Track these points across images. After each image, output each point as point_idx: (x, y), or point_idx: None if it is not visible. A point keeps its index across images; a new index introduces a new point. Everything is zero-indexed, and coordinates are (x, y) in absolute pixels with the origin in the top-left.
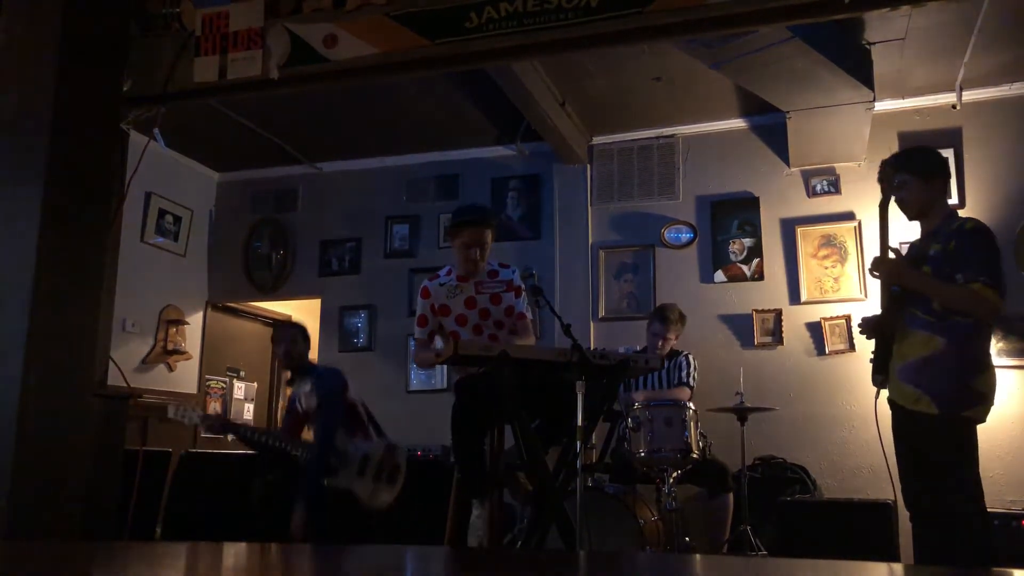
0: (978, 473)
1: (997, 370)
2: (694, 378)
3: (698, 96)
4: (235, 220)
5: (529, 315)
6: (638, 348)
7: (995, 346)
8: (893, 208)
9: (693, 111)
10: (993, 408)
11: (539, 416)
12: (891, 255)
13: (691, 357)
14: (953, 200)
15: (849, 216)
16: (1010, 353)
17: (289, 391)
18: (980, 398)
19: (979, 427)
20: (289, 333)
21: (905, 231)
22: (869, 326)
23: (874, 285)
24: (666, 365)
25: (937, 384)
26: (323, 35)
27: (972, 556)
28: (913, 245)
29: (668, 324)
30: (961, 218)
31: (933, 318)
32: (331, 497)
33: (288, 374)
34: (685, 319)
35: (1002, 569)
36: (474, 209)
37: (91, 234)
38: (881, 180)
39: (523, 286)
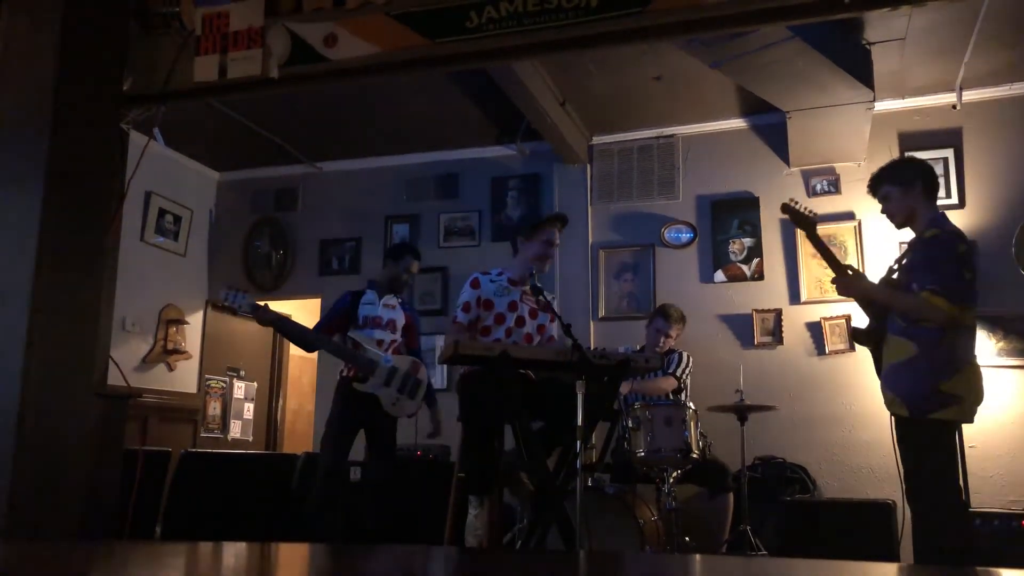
0: (955, 474)
1: (997, 370)
2: (684, 372)
3: (698, 96)
4: (235, 220)
5: (558, 342)
6: (637, 348)
7: (995, 346)
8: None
9: (693, 111)
10: (992, 408)
11: (541, 418)
12: (849, 272)
13: (686, 355)
14: (953, 200)
15: (849, 216)
16: (1010, 353)
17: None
18: (951, 400)
19: (978, 428)
20: (418, 257)
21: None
22: (858, 336)
23: None
24: (662, 362)
25: (907, 387)
26: (323, 34)
27: (948, 554)
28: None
29: (671, 321)
30: (931, 227)
31: (906, 324)
32: (360, 409)
33: (393, 284)
34: (686, 320)
35: (998, 569)
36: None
37: (91, 234)
38: (870, 194)
39: (555, 313)
